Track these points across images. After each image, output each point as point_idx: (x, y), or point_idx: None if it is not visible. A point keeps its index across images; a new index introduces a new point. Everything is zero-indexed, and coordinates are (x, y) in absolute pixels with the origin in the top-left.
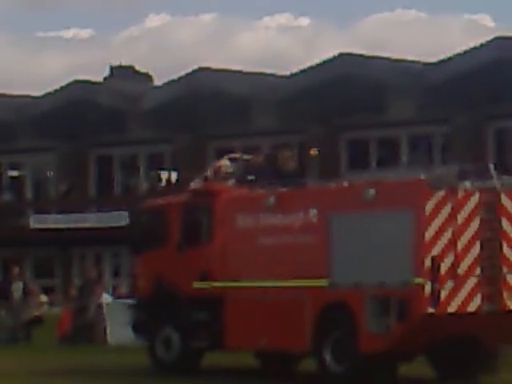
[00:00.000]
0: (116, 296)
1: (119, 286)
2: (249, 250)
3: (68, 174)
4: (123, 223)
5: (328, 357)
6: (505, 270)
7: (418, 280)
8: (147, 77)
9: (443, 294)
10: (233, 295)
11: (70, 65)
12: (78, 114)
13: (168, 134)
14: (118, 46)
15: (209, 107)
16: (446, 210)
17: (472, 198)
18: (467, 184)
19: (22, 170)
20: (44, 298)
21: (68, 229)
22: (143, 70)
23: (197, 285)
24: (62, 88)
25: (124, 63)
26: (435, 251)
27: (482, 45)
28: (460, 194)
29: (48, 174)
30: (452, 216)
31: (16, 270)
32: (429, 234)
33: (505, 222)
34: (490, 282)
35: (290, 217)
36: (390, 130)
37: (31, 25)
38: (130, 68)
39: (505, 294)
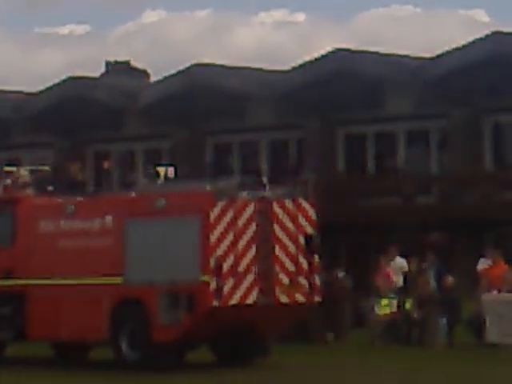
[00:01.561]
0: None
1: None
2: (50, 251)
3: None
4: None
5: (124, 346)
6: (277, 268)
7: (204, 277)
8: (143, 73)
9: (226, 289)
10: (35, 292)
11: (66, 61)
12: (75, 110)
13: (165, 130)
14: (114, 42)
15: (206, 103)
16: (228, 217)
17: (249, 207)
18: (245, 194)
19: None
20: None
21: None
22: (139, 66)
23: (0, 282)
24: (58, 84)
25: (120, 59)
26: (219, 252)
27: (478, 39)
28: (239, 203)
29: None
30: (233, 222)
31: None
32: (213, 237)
33: (276, 227)
34: (265, 278)
35: (88, 222)
36: (387, 125)
37: (27, 21)
38: (126, 64)
39: (277, 289)
